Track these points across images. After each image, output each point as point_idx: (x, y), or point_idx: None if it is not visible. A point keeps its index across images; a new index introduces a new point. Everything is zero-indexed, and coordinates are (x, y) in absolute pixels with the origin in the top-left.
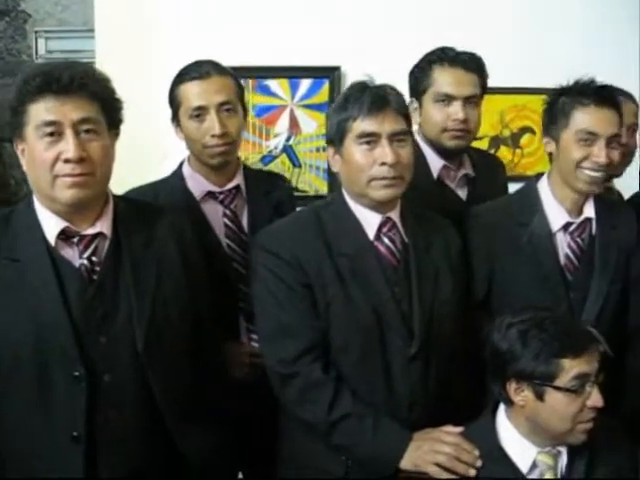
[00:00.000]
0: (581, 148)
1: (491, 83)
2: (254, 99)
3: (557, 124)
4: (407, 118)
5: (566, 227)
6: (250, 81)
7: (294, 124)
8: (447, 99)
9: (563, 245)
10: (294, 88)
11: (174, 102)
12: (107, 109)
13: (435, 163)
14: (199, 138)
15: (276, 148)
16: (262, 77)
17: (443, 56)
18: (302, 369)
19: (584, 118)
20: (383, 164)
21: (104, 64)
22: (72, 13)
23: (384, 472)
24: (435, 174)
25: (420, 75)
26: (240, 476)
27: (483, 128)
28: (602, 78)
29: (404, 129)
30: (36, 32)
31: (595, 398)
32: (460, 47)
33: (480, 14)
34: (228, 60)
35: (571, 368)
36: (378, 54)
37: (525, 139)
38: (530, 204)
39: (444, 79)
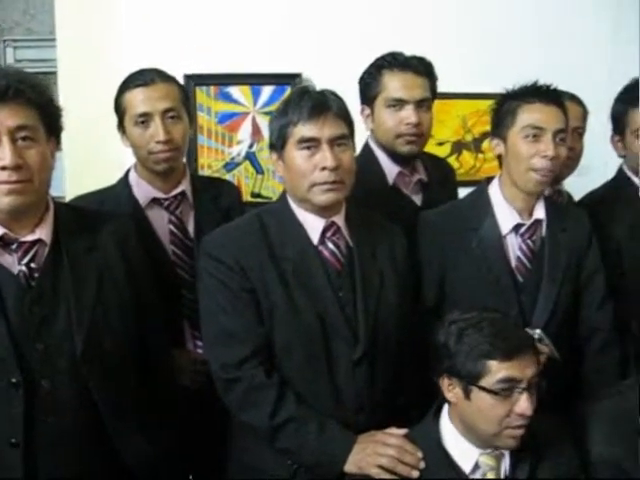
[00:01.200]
0: (528, 144)
1: (453, 88)
2: (216, 106)
3: (504, 124)
4: (348, 122)
5: (517, 229)
6: (212, 88)
7: (256, 131)
8: (399, 104)
9: (514, 247)
10: (256, 95)
11: (119, 109)
12: (45, 116)
13: (390, 169)
14: (144, 144)
15: (239, 155)
16: (224, 84)
17: (393, 61)
18: (245, 374)
19: (530, 114)
20: (324, 169)
21: (65, 72)
22: (39, 22)
23: (329, 475)
24: (390, 180)
25: (370, 81)
26: None
27: (445, 133)
28: (563, 82)
29: (344, 133)
30: (4, 41)
31: (523, 405)
32: (421, 54)
33: (442, 21)
34: (190, 68)
35: (498, 371)
36: (339, 61)
37: (487, 144)
38: (481, 207)
39: (395, 84)
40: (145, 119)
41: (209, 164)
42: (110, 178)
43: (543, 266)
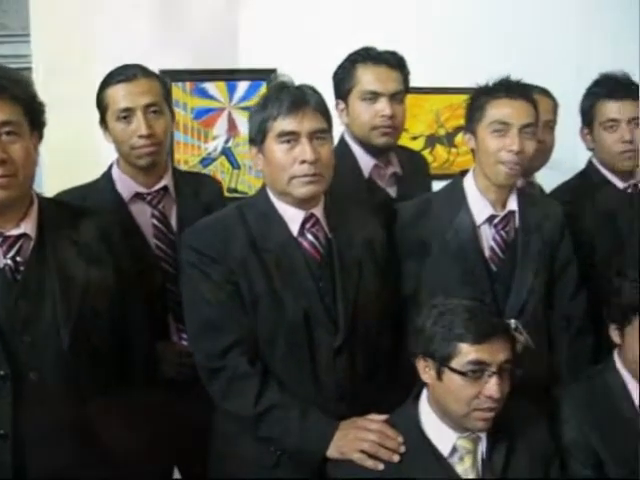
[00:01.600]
0: (495, 139)
1: (426, 83)
2: (192, 102)
3: (474, 119)
4: (327, 117)
5: (490, 220)
6: (187, 84)
7: (232, 126)
8: (373, 96)
9: (488, 238)
10: (231, 90)
11: (101, 105)
12: (29, 111)
13: (366, 162)
14: (126, 140)
15: (215, 150)
16: (199, 80)
17: (366, 55)
18: (229, 363)
19: (497, 109)
20: (303, 162)
21: (40, 69)
22: (11, 18)
23: (312, 461)
24: (366, 173)
25: (344, 75)
26: (177, 475)
27: (419, 127)
28: (536, 77)
29: (323, 127)
30: None
31: (492, 388)
32: (395, 48)
33: (416, 15)
34: (165, 63)
35: (468, 353)
36: (315, 56)
37: (460, 138)
38: (455, 199)
39: (369, 77)
40: (127, 114)
41: (185, 160)
42: (86, 174)
43: (516, 256)
